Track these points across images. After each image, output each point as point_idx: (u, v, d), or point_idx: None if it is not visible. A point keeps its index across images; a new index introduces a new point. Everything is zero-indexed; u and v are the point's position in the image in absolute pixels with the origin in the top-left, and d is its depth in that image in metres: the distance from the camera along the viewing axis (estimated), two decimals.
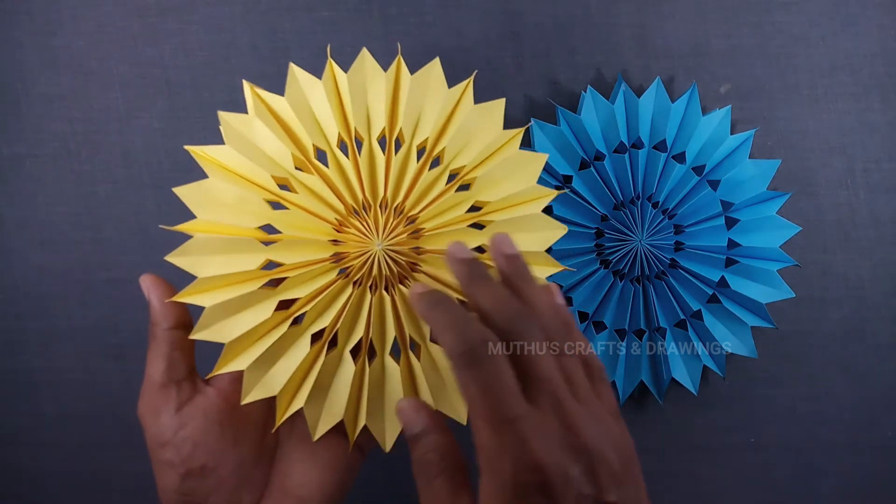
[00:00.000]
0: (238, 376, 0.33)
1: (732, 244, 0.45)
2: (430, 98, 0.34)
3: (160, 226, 0.33)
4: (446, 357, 0.29)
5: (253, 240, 0.32)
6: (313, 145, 0.34)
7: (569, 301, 0.44)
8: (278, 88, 0.33)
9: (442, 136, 0.35)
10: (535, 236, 0.34)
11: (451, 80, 0.35)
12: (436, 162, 0.35)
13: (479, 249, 0.34)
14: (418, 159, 0.34)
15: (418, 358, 0.34)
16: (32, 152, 0.47)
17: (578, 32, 0.47)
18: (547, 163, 0.44)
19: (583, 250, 0.44)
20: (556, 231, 0.34)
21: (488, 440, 0.25)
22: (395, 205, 0.34)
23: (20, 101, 0.47)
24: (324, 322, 0.33)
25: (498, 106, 0.35)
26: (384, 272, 0.33)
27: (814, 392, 0.48)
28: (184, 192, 0.31)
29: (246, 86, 0.33)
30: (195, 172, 0.47)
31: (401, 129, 0.34)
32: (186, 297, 0.31)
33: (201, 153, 0.32)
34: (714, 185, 0.45)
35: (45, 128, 0.47)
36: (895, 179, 0.47)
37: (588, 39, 0.47)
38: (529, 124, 0.43)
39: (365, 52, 0.34)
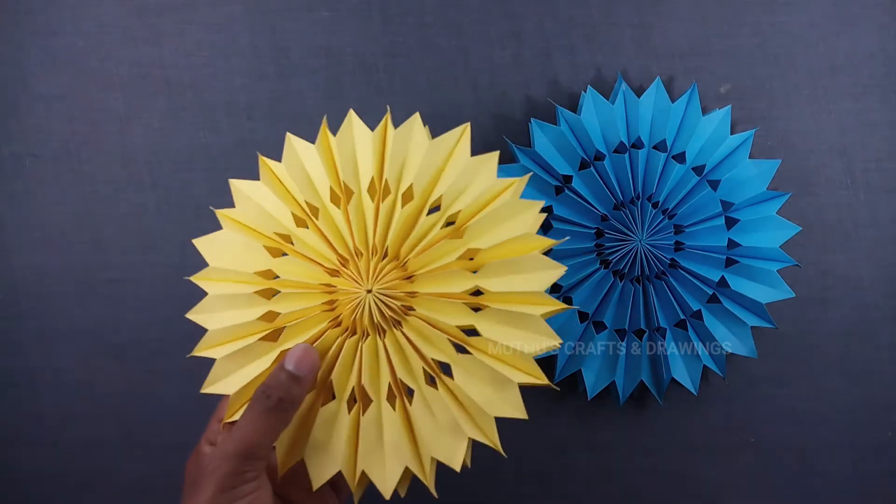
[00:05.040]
0: None
1: (732, 244, 0.45)
2: (412, 149, 0.35)
3: (184, 277, 0.37)
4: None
5: (254, 295, 0.36)
6: (305, 202, 0.36)
7: (568, 301, 0.44)
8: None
9: (435, 185, 0.35)
10: (534, 276, 0.33)
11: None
12: (434, 211, 0.36)
13: (476, 293, 0.34)
14: (424, 213, 0.35)
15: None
16: (32, 152, 0.47)
17: (578, 32, 0.47)
18: (547, 163, 0.44)
19: (583, 250, 0.44)
20: (555, 271, 0.33)
21: None
22: (383, 251, 0.34)
23: (20, 101, 0.47)
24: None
25: (492, 159, 0.34)
26: (375, 318, 0.34)
27: (814, 392, 0.48)
28: (200, 244, 0.37)
29: (260, 159, 0.36)
30: (195, 172, 0.47)
31: (386, 180, 0.35)
32: (201, 350, 0.35)
33: (224, 215, 0.37)
34: (714, 185, 0.45)
35: (45, 128, 0.47)
36: (895, 179, 0.47)
37: (588, 39, 0.47)
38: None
39: (351, 114, 0.35)
